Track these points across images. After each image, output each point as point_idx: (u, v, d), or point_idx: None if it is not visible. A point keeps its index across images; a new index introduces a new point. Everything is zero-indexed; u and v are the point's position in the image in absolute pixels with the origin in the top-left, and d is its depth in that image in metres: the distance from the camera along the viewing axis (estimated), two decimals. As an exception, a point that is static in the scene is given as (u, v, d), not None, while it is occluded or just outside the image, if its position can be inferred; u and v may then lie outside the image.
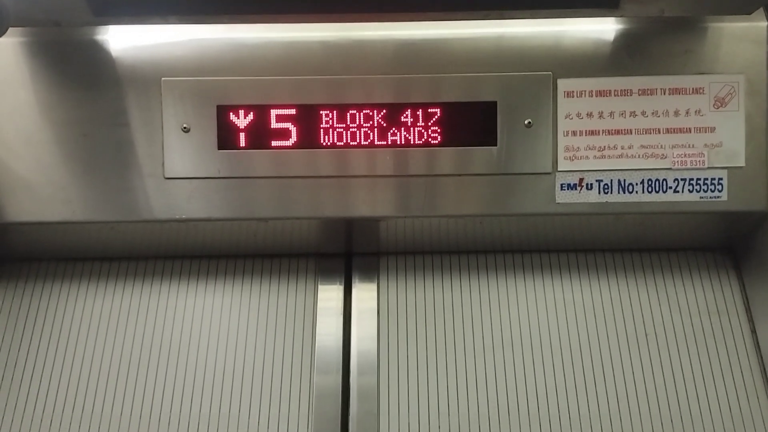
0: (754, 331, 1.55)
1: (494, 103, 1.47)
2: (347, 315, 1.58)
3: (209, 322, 1.57)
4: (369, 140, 1.48)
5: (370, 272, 1.63)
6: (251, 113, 1.47)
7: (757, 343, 1.54)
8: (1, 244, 1.60)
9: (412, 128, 1.48)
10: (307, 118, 1.47)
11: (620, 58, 1.48)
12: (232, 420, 1.47)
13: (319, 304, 1.59)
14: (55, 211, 1.48)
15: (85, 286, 1.60)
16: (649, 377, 1.51)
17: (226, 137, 1.48)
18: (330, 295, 1.60)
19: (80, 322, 1.57)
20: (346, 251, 1.66)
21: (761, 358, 1.52)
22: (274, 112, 1.47)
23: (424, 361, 1.52)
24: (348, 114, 1.47)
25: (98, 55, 1.48)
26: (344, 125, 1.48)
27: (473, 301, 1.59)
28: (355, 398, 1.48)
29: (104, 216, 1.49)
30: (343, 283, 1.62)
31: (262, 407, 1.48)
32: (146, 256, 1.63)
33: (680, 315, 1.57)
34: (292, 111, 1.47)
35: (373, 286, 1.61)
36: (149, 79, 1.47)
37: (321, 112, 1.47)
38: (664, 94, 1.48)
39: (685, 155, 1.49)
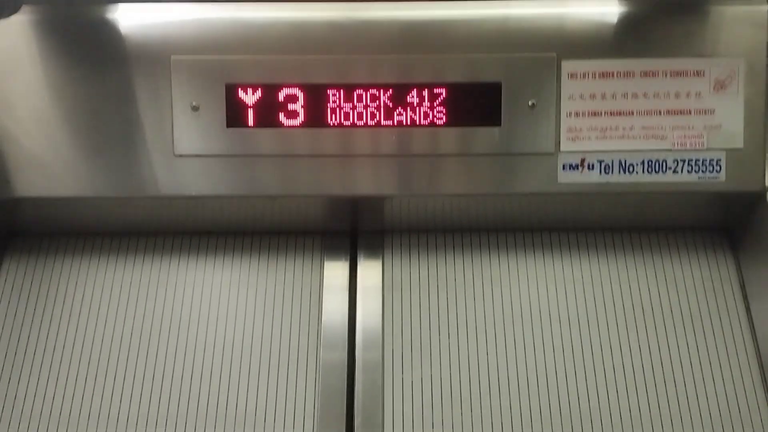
0: (748, 309, 1.58)
1: (499, 84, 1.49)
2: (353, 292, 1.60)
3: (218, 297, 1.59)
4: (375, 120, 1.50)
5: (375, 250, 1.65)
6: (259, 92, 1.49)
7: (752, 321, 1.57)
8: (13, 219, 1.61)
9: (417, 108, 1.49)
10: (315, 97, 1.49)
11: (623, 41, 1.50)
12: (241, 393, 1.49)
13: (325, 281, 1.61)
14: (65, 186, 1.50)
15: (96, 260, 1.62)
16: (646, 353, 1.53)
17: (234, 115, 1.49)
18: (336, 272, 1.62)
19: (92, 294, 1.59)
20: (351, 229, 1.68)
21: (755, 335, 1.55)
22: (282, 91, 1.49)
23: (427, 337, 1.55)
24: (355, 94, 1.49)
25: (108, 32, 1.49)
26: (351, 105, 1.49)
27: (475, 278, 1.62)
28: (360, 372, 1.51)
29: (114, 192, 1.51)
30: (348, 261, 1.64)
31: (270, 381, 1.51)
32: (155, 232, 1.65)
33: (677, 293, 1.60)
34: (300, 90, 1.49)
35: (378, 264, 1.63)
36: (159, 57, 1.48)
37: (328, 91, 1.49)
38: (666, 76, 1.50)
39: (684, 137, 1.51)
